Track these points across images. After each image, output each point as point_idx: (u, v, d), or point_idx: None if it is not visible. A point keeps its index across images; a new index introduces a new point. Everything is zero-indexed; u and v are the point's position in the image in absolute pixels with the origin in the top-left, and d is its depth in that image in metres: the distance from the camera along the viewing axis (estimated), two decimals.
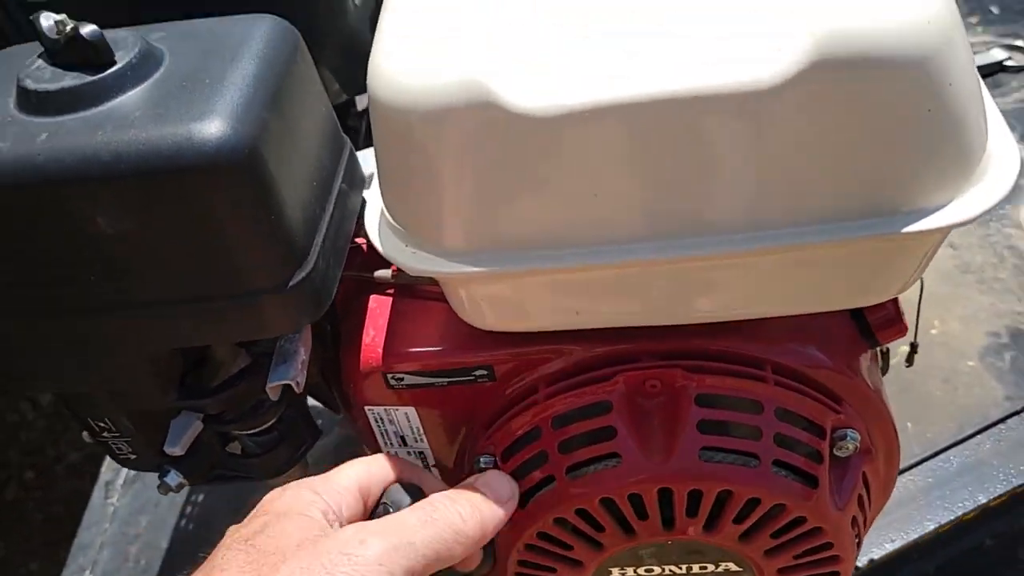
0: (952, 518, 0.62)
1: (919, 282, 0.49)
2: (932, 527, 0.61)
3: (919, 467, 0.65)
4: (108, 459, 0.78)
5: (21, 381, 0.41)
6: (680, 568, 0.44)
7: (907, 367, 0.53)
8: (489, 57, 0.33)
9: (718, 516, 0.41)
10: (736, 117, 0.31)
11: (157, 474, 0.46)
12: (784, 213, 0.33)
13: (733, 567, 0.44)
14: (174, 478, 0.47)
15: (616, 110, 0.32)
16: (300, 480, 0.38)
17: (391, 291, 0.48)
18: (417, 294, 0.47)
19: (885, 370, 0.50)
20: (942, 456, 0.65)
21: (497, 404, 0.45)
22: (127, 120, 0.35)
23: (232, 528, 0.37)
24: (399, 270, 0.47)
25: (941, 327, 0.72)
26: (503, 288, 0.38)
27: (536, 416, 0.43)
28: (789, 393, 0.41)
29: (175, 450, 0.44)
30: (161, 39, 0.39)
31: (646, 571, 0.44)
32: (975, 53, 0.96)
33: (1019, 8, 1.05)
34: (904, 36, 0.30)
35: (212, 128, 0.34)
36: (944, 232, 0.34)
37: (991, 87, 0.93)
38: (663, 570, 0.44)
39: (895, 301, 0.46)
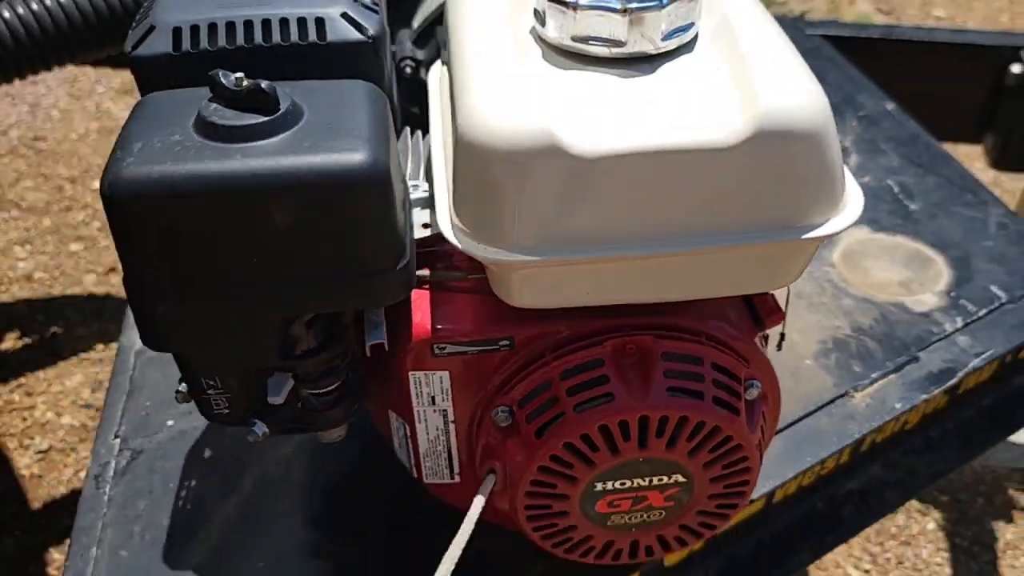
0: (804, 469, 0.84)
1: (788, 290, 0.71)
2: (793, 474, 0.83)
3: (776, 435, 0.86)
4: (92, 456, 0.85)
5: (172, 341, 0.53)
6: (644, 480, 0.62)
7: (778, 351, 0.75)
8: (553, 112, 0.51)
9: (676, 437, 0.60)
10: (712, 163, 0.51)
11: (254, 424, 0.59)
12: (735, 225, 0.53)
13: (680, 478, 0.62)
14: (260, 427, 0.59)
15: (634, 155, 0.51)
16: None
17: (425, 287, 0.64)
18: (446, 288, 0.63)
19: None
20: (792, 428, 0.87)
21: (513, 366, 0.62)
22: (299, 148, 0.49)
23: None
24: (433, 271, 0.63)
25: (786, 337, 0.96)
26: (544, 273, 0.55)
27: (547, 373, 0.60)
28: (719, 351, 0.61)
29: (277, 399, 0.57)
30: (291, 93, 0.54)
31: (620, 484, 0.62)
32: None
33: None
34: (812, 115, 0.51)
35: (361, 155, 0.49)
36: (824, 239, 0.55)
37: None
38: (632, 482, 0.62)
39: (775, 298, 0.67)
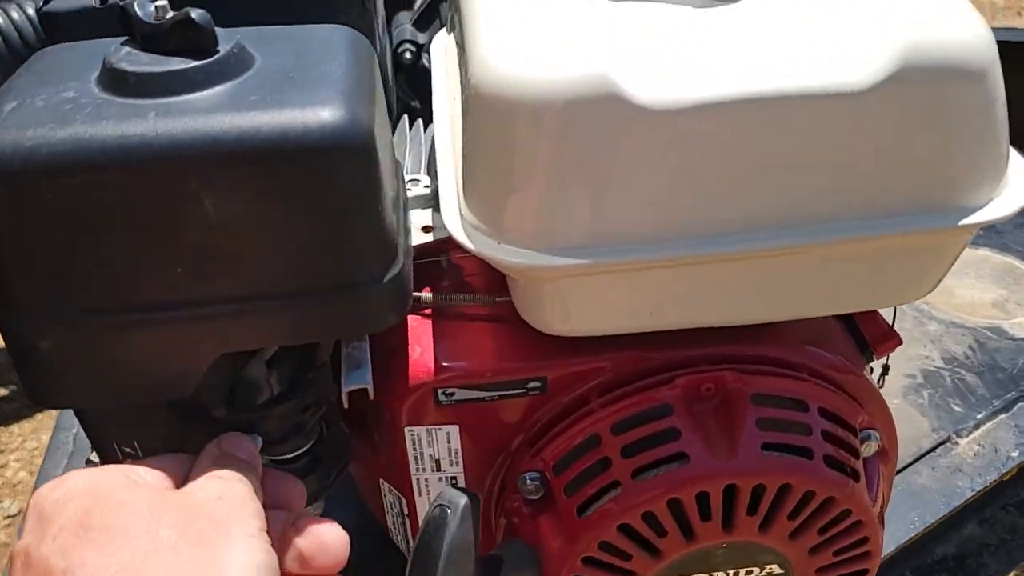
0: (907, 539, 0.67)
1: (895, 308, 0.55)
2: (895, 547, 0.66)
3: None
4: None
5: (66, 392, 0.37)
6: (727, 574, 0.45)
7: (879, 387, 0.58)
8: (609, 54, 0.36)
9: (775, 512, 0.43)
10: (829, 115, 0.35)
11: None
12: (866, 207, 0.37)
13: (776, 569, 0.46)
14: None
15: (726, 105, 0.35)
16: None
17: (425, 312, 0.48)
18: (455, 315, 0.47)
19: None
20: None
21: (546, 417, 0.45)
22: (244, 103, 0.34)
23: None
24: (434, 291, 0.47)
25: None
26: (592, 285, 0.39)
27: (593, 424, 0.44)
28: (828, 392, 0.45)
29: None
30: (241, 39, 0.38)
31: (689, 570, 0.45)
32: None
33: None
34: (973, 50, 0.35)
35: (336, 112, 0.34)
36: (987, 224, 0.39)
37: None
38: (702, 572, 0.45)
39: (883, 319, 0.51)
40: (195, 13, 0.35)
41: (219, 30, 0.37)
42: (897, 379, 0.79)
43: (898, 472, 0.71)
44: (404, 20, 0.76)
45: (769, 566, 0.45)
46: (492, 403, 0.45)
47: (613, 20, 0.39)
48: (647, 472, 0.42)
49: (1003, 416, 0.76)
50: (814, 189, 0.37)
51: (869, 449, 0.46)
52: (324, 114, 0.34)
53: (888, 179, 0.37)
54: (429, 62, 0.68)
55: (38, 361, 0.36)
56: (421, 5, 0.76)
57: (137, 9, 0.35)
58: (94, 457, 0.43)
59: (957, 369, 0.80)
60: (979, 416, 0.75)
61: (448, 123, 0.47)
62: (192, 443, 0.37)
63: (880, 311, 0.53)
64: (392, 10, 0.78)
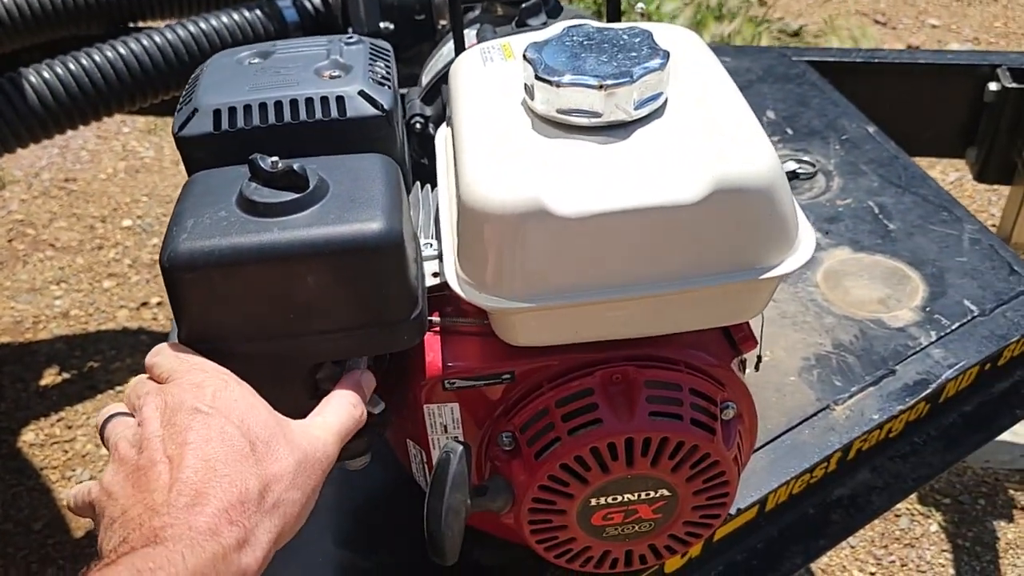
0: (787, 479, 0.92)
1: (762, 316, 0.79)
2: (777, 484, 0.91)
3: (764, 448, 0.94)
4: None
5: None
6: (633, 495, 0.70)
7: (755, 371, 0.83)
8: (541, 180, 0.60)
9: (658, 456, 0.68)
10: (676, 218, 0.60)
11: None
12: (700, 269, 0.62)
13: (666, 492, 0.70)
14: None
15: (612, 214, 0.59)
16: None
17: (436, 329, 0.72)
18: (453, 331, 0.72)
19: (743, 372, 0.79)
20: (777, 440, 0.95)
21: (514, 396, 0.70)
22: (327, 220, 0.58)
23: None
24: (441, 315, 0.71)
25: (771, 355, 1.04)
26: (538, 317, 0.64)
27: (544, 401, 0.69)
28: (696, 377, 0.69)
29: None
30: (318, 169, 0.63)
31: (612, 498, 0.70)
32: None
33: (806, 131, 1.43)
34: (760, 175, 0.60)
35: (378, 224, 0.58)
36: (781, 279, 0.63)
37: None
38: (623, 497, 0.70)
39: (749, 325, 0.75)
40: (296, 166, 0.59)
41: (307, 166, 0.61)
42: (796, 361, 1.03)
43: (786, 432, 0.96)
44: (414, 96, 1.00)
45: (661, 489, 0.70)
46: (480, 388, 0.70)
47: (546, 151, 0.63)
48: (577, 431, 0.67)
49: (871, 388, 1.00)
50: (669, 260, 0.61)
51: (727, 415, 0.71)
52: (374, 226, 0.58)
53: (714, 253, 0.61)
54: (434, 130, 0.92)
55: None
56: (427, 85, 1.00)
57: (260, 162, 0.60)
58: None
59: (843, 353, 1.04)
60: (853, 389, 1.00)
61: (447, 203, 0.71)
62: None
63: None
64: (405, 87, 1.02)
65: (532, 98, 0.66)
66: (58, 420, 2.06)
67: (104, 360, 2.20)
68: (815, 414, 0.97)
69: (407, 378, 0.71)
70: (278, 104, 0.70)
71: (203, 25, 1.51)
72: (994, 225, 2.13)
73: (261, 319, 0.59)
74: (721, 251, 0.61)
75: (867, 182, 1.31)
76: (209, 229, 0.58)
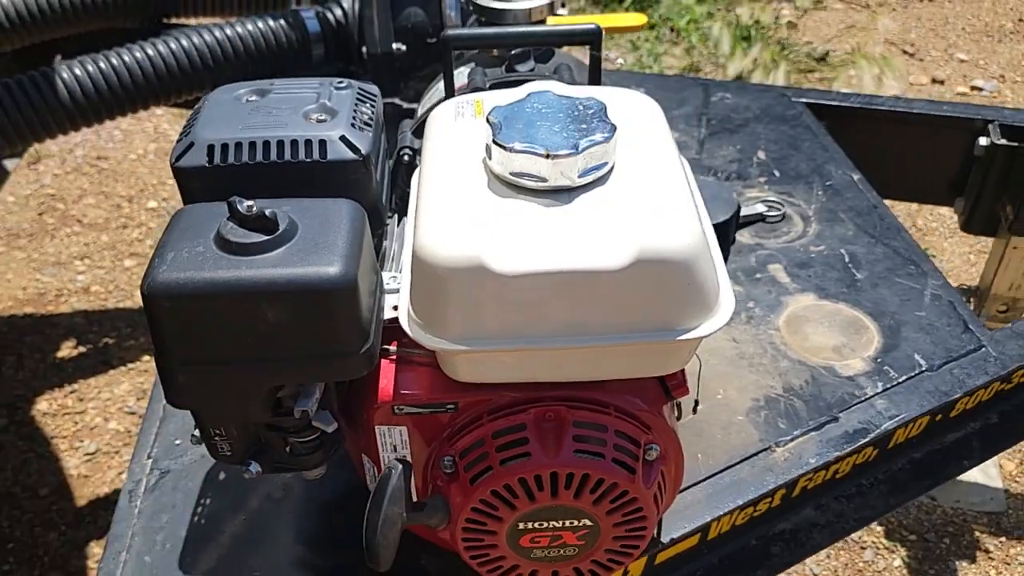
0: (721, 514, 0.98)
1: (699, 363, 0.85)
2: (711, 518, 0.97)
3: (704, 482, 1.01)
4: (128, 473, 1.03)
5: (188, 401, 0.70)
6: (558, 523, 0.77)
7: (693, 415, 0.89)
8: (483, 239, 0.67)
9: (580, 490, 0.75)
10: (601, 282, 0.66)
11: (249, 465, 0.75)
12: (622, 327, 0.68)
13: (588, 522, 0.77)
14: (255, 467, 0.76)
15: (542, 275, 0.66)
16: None
17: (392, 358, 0.80)
18: (408, 361, 0.79)
19: (679, 416, 0.85)
20: (718, 476, 1.02)
21: (457, 424, 0.77)
22: (290, 261, 0.66)
23: None
24: (399, 344, 0.79)
25: (724, 394, 1.10)
26: (476, 358, 0.71)
27: (481, 432, 0.76)
28: (621, 421, 0.76)
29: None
30: (290, 211, 0.70)
31: (538, 524, 0.77)
32: (747, 206, 1.38)
33: (793, 174, 1.49)
34: (682, 248, 0.66)
35: (334, 268, 0.66)
36: (698, 340, 0.69)
37: (757, 232, 1.35)
38: (548, 524, 0.77)
39: (682, 373, 0.82)
40: (268, 211, 0.67)
41: (280, 209, 0.69)
42: (747, 402, 1.09)
43: (726, 469, 1.02)
44: (406, 127, 1.07)
45: (583, 519, 0.77)
46: (426, 415, 0.77)
47: (495, 209, 0.70)
48: (509, 461, 0.74)
49: (813, 433, 1.06)
50: (593, 318, 0.68)
51: (651, 455, 0.77)
52: (330, 271, 0.66)
53: (634, 314, 0.68)
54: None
55: (175, 385, 0.69)
56: (419, 119, 1.07)
57: (237, 205, 0.67)
58: (196, 433, 0.76)
59: (792, 397, 1.10)
60: (795, 432, 1.06)
61: (409, 249, 0.79)
62: (247, 434, 0.70)
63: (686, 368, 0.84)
64: (398, 120, 1.10)
65: (490, 158, 0.73)
66: (71, 392, 2.17)
67: (119, 337, 2.31)
68: (756, 454, 1.04)
69: (363, 399, 0.79)
70: (266, 144, 0.78)
71: (228, 31, 1.59)
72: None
73: (227, 345, 0.67)
74: (641, 313, 0.68)
75: (843, 230, 1.37)
76: (186, 262, 0.66)
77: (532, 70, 1.05)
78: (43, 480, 1.97)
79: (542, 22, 1.12)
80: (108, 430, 2.07)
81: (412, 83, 1.58)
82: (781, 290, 1.26)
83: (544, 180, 0.71)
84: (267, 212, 0.67)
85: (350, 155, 0.78)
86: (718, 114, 1.67)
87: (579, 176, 0.71)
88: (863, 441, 1.06)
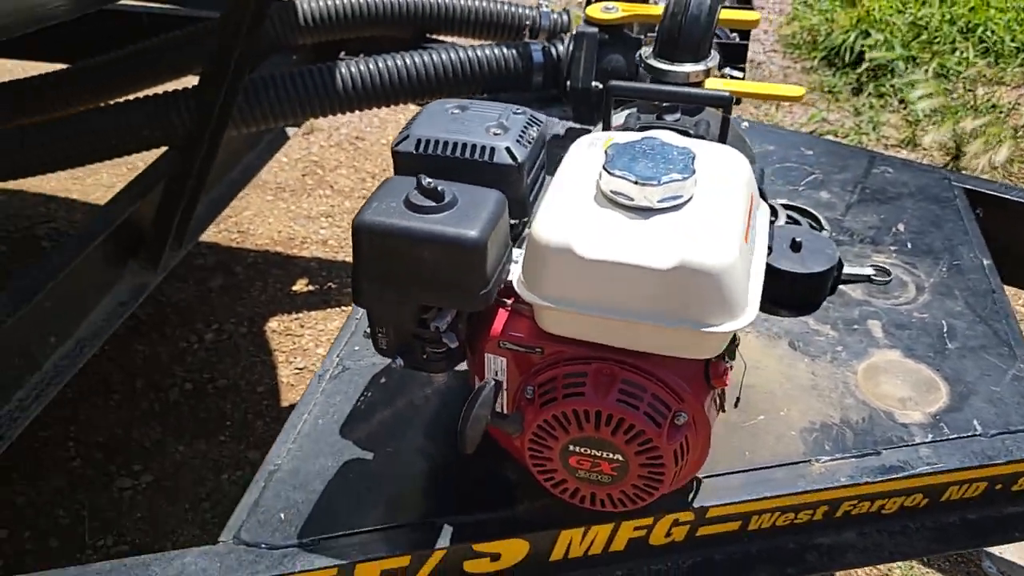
0: (750, 499, 1.20)
1: (744, 366, 1.09)
2: (741, 499, 1.19)
3: (744, 473, 1.22)
4: (321, 364, 1.41)
5: (369, 303, 1.05)
6: (598, 452, 1.04)
7: (735, 408, 1.12)
8: (576, 231, 0.96)
9: (616, 429, 1.01)
10: (649, 276, 0.93)
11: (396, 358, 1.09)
12: (662, 314, 0.94)
13: (619, 457, 1.03)
14: (399, 361, 1.09)
15: (610, 264, 0.94)
16: None
17: (508, 308, 1.10)
18: (517, 312, 1.09)
19: (722, 408, 1.09)
20: (757, 471, 1.23)
21: (541, 364, 1.06)
22: (446, 222, 0.98)
23: None
24: (515, 301, 1.09)
25: (787, 412, 1.30)
26: (559, 315, 0.99)
27: (555, 372, 1.04)
28: (660, 388, 1.01)
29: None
30: (456, 191, 1.02)
31: (583, 449, 1.04)
32: (861, 266, 1.54)
33: (924, 249, 1.63)
34: (715, 262, 0.91)
35: (473, 232, 0.97)
36: (723, 334, 0.94)
37: (869, 291, 1.51)
38: (591, 451, 1.04)
39: (725, 370, 1.06)
40: (440, 187, 0.99)
41: (450, 188, 1.01)
42: (803, 422, 1.29)
43: (766, 468, 1.23)
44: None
45: (616, 454, 1.03)
46: (520, 353, 1.07)
47: (593, 212, 0.98)
48: (569, 397, 1.02)
49: (853, 459, 1.24)
50: (641, 302, 0.95)
51: (679, 420, 1.02)
52: (470, 233, 0.97)
53: (672, 305, 0.94)
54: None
55: (360, 291, 1.04)
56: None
57: (422, 180, 1.00)
58: (367, 330, 1.10)
59: (844, 427, 1.28)
60: (836, 455, 1.24)
61: None
62: (401, 335, 1.04)
63: (734, 365, 1.07)
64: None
65: (599, 178, 1.01)
66: (296, 318, 2.67)
67: (341, 284, 2.79)
68: (795, 463, 1.24)
69: (481, 333, 1.10)
70: (455, 144, 1.11)
71: (471, 53, 1.98)
72: None
73: (395, 269, 1.00)
74: (677, 306, 0.94)
75: (952, 305, 1.50)
76: (383, 211, 1.00)
77: (677, 120, 1.31)
78: (261, 380, 2.46)
79: (699, 84, 1.38)
80: (316, 353, 2.54)
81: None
82: (872, 342, 1.43)
83: (631, 199, 0.98)
84: (439, 188, 1.00)
85: (509, 161, 1.10)
86: (874, 184, 1.83)
87: (658, 201, 0.98)
88: (895, 476, 1.22)
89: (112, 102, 1.96)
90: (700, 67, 1.36)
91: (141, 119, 1.82)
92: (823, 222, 1.66)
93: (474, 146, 1.10)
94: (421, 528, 1.16)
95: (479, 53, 2.00)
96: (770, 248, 1.46)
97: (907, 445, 1.26)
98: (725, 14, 1.77)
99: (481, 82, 2.00)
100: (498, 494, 1.20)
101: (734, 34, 1.92)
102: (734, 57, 1.81)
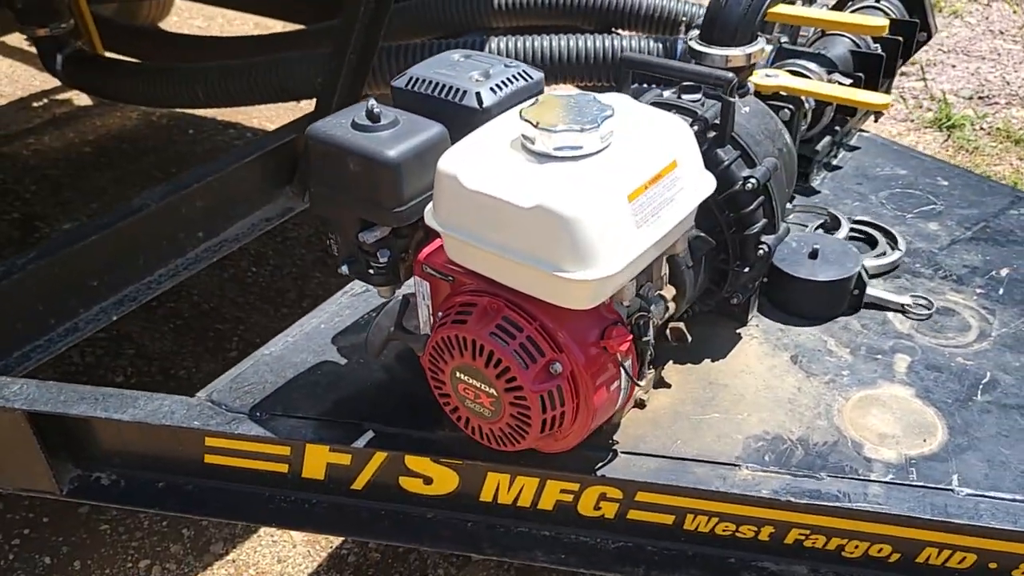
0: (663, 483, 1.16)
1: (687, 334, 1.07)
2: (657, 482, 1.16)
3: (667, 459, 1.18)
4: (324, 304, 1.56)
5: (319, 208, 1.18)
6: (477, 383, 1.08)
7: (639, 409, 1.10)
8: (468, 164, 1.01)
9: (488, 361, 1.05)
10: (513, 212, 0.97)
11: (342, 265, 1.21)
12: (522, 252, 0.97)
13: (493, 392, 1.07)
14: (345, 269, 1.21)
15: (483, 194, 0.98)
16: None
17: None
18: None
19: (642, 387, 1.08)
20: (680, 461, 1.18)
21: (449, 293, 1.13)
22: (373, 140, 1.09)
23: None
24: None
25: (745, 417, 1.23)
26: (448, 241, 1.06)
27: (454, 300, 1.10)
28: (538, 333, 1.04)
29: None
30: (403, 119, 1.12)
31: (467, 378, 1.09)
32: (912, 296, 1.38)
33: (1019, 298, 1.42)
34: (569, 211, 0.93)
35: (391, 152, 1.07)
36: (582, 283, 0.95)
37: (919, 326, 1.36)
38: (472, 381, 1.08)
39: (624, 335, 1.05)
40: (380, 111, 1.10)
41: (397, 115, 1.11)
42: (757, 430, 1.21)
43: (691, 461, 1.18)
44: None
45: (491, 388, 1.07)
46: (436, 279, 1.14)
47: (491, 152, 1.03)
48: (456, 323, 1.07)
49: (786, 477, 1.14)
50: (510, 239, 0.98)
51: (555, 369, 1.03)
52: (389, 153, 1.07)
53: (530, 243, 0.96)
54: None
55: (312, 195, 1.17)
56: None
57: (369, 103, 1.11)
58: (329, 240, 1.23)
59: (797, 445, 1.17)
60: (771, 468, 1.15)
61: None
62: (350, 243, 1.16)
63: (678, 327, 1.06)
64: None
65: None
66: None
67: None
68: (721, 463, 1.17)
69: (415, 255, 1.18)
70: (436, 84, 1.20)
71: (624, 42, 2.08)
72: None
73: (333, 177, 1.13)
74: (535, 245, 0.96)
75: (1010, 360, 1.31)
76: (332, 125, 1.13)
77: (696, 100, 1.29)
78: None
79: (739, 70, 1.33)
80: None
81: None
82: (886, 375, 1.29)
83: (533, 144, 1.01)
84: (377, 111, 1.10)
85: (475, 104, 1.17)
86: (1001, 225, 1.61)
87: (554, 149, 1.00)
88: (821, 503, 1.11)
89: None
90: (738, 52, 1.32)
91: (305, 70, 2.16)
92: (900, 242, 1.51)
93: (450, 87, 1.19)
94: (348, 428, 1.27)
95: (634, 43, 2.10)
96: (790, 252, 1.38)
97: (856, 478, 1.14)
98: (847, 19, 1.67)
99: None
100: (428, 417, 1.27)
101: (876, 44, 1.79)
102: (864, 67, 1.70)
